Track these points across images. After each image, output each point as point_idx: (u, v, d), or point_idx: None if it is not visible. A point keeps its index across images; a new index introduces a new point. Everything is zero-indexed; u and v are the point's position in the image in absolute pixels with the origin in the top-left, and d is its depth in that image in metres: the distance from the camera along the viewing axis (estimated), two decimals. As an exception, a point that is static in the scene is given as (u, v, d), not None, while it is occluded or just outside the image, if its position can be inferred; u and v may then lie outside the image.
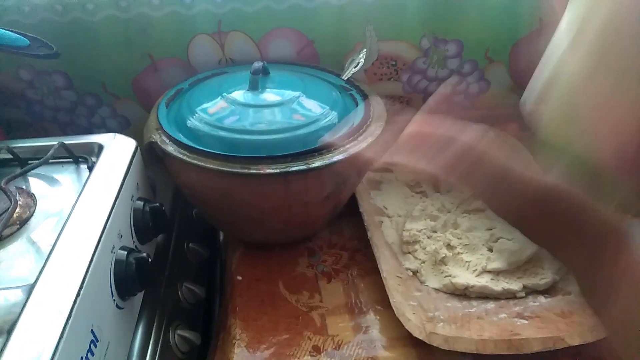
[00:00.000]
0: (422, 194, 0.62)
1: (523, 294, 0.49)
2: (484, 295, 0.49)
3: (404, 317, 0.45)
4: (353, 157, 0.46)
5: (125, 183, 0.44)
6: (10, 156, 0.47)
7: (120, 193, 0.42)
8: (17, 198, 0.38)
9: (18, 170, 0.43)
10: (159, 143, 0.48)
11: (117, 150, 0.48)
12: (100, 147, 0.48)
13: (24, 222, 0.40)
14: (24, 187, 0.45)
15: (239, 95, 0.51)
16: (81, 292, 0.33)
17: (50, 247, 0.36)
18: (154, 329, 0.44)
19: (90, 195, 0.42)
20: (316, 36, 0.62)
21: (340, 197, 0.53)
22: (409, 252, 0.54)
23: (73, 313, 0.31)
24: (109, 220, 0.39)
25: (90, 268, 0.35)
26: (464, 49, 0.65)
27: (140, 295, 0.45)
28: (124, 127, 0.68)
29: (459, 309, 0.48)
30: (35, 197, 0.43)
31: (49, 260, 0.35)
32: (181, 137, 0.48)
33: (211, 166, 0.45)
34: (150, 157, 0.51)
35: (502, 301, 0.49)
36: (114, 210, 0.40)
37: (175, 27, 0.60)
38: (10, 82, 0.62)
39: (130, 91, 0.64)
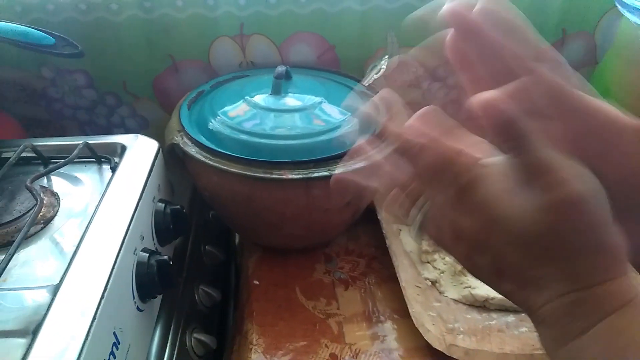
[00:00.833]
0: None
1: (543, 308, 0.48)
2: (504, 307, 0.48)
3: (424, 328, 0.44)
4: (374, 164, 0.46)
5: (147, 184, 0.44)
6: (34, 154, 0.47)
7: (143, 195, 0.42)
8: (42, 197, 0.38)
9: (41, 169, 0.43)
10: (181, 145, 0.48)
11: (140, 151, 0.48)
12: (123, 148, 0.48)
13: (47, 221, 0.40)
14: (47, 185, 0.45)
15: (261, 99, 0.51)
16: (105, 294, 0.33)
17: (75, 248, 0.36)
18: (171, 331, 0.44)
19: (114, 196, 0.41)
20: (338, 41, 0.62)
21: (360, 204, 0.52)
22: (428, 262, 0.53)
23: (97, 315, 0.31)
24: (132, 222, 0.39)
25: (114, 270, 0.35)
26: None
27: (159, 298, 0.45)
28: (143, 127, 0.68)
29: (479, 321, 0.47)
30: (58, 196, 0.43)
31: (74, 260, 0.35)
32: (203, 140, 0.48)
33: (233, 170, 0.45)
34: (170, 158, 0.51)
35: (523, 314, 0.48)
36: (136, 211, 0.40)
37: (197, 29, 0.60)
38: (32, 79, 0.63)
39: (150, 91, 0.64)
